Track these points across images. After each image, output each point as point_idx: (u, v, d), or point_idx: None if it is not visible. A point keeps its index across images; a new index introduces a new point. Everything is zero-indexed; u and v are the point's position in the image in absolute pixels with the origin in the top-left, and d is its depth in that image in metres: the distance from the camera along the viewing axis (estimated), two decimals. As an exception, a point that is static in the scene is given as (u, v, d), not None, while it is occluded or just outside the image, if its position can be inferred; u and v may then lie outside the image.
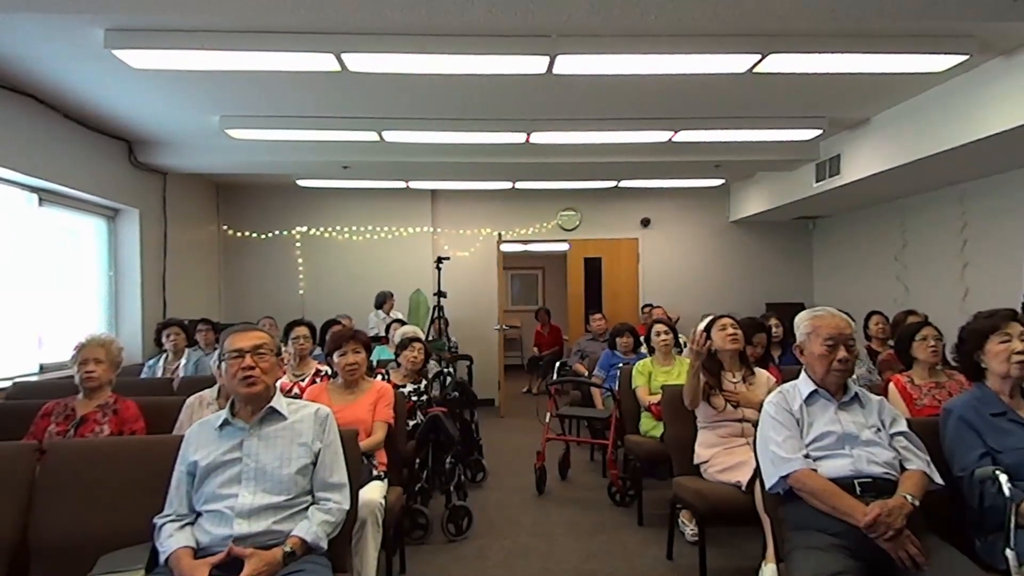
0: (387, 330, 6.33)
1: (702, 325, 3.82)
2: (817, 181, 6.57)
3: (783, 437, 2.35)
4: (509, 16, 3.41)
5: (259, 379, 2.21)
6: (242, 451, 2.17)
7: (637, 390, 4.50)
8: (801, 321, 2.52)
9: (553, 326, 10.35)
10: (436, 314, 7.55)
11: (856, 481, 2.21)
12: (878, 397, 2.48)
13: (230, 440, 2.19)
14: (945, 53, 4.05)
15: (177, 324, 5.32)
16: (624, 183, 8.17)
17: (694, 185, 8.50)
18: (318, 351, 4.58)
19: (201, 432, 2.26)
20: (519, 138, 5.88)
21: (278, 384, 3.80)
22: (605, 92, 4.85)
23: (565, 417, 5.80)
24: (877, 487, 2.20)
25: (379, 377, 4.11)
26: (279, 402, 2.29)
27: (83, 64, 4.20)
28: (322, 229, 8.63)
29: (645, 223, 9.12)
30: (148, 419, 3.19)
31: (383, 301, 7.70)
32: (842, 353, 2.37)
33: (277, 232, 8.56)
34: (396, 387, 3.87)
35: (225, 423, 2.23)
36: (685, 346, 5.29)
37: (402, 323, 6.26)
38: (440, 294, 7.56)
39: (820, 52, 4.01)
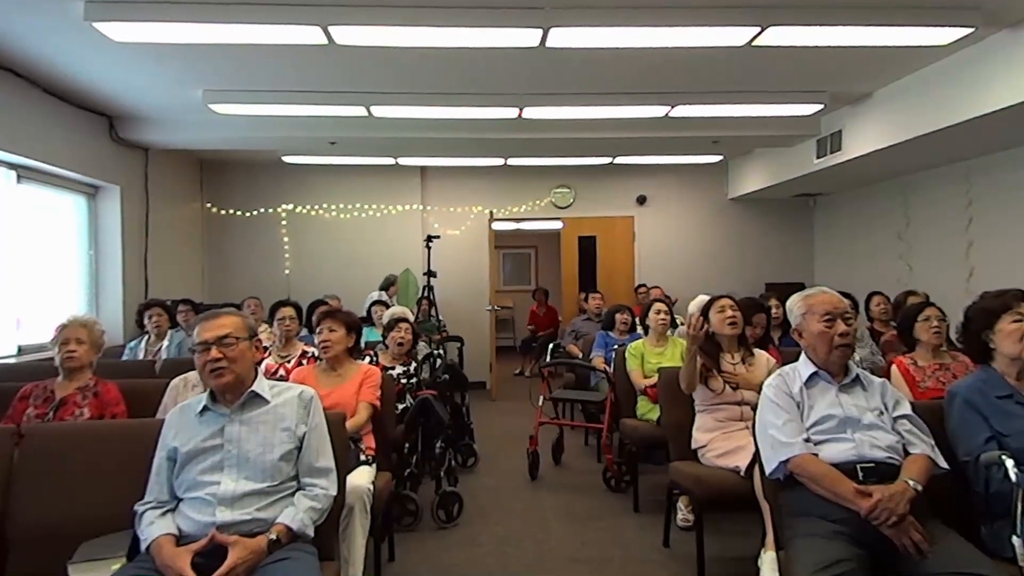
0: (369, 312, 6.25)
1: (693, 305, 3.74)
2: (818, 157, 6.52)
3: (783, 421, 2.31)
4: (501, -14, 3.33)
5: (227, 370, 2.15)
6: (223, 437, 2.13)
7: (631, 373, 4.44)
8: (794, 304, 2.48)
9: (550, 307, 10.27)
10: (426, 294, 7.46)
11: (859, 466, 2.18)
12: (880, 379, 2.45)
13: (211, 426, 2.15)
14: (950, 25, 4.01)
15: (159, 305, 5.25)
16: (619, 159, 8.12)
17: (691, 161, 8.42)
18: (305, 332, 4.51)
19: (181, 417, 2.22)
20: (511, 113, 5.81)
21: (262, 367, 3.76)
22: (600, 66, 4.79)
23: (559, 400, 5.74)
24: (880, 472, 2.16)
25: (367, 359, 4.05)
26: (261, 386, 2.24)
27: (62, 37, 4.14)
28: (308, 207, 8.53)
29: (641, 200, 9.03)
30: (129, 402, 3.17)
31: (389, 284, 7.67)
32: (841, 327, 2.34)
33: (262, 210, 8.46)
34: (385, 369, 3.83)
35: (206, 408, 2.19)
36: (680, 326, 5.24)
37: (385, 305, 6.18)
38: (430, 274, 7.48)
39: (821, 24, 3.97)
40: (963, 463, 2.28)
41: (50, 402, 3.02)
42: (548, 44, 4.13)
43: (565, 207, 9.00)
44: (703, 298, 3.92)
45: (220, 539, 1.96)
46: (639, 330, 5.32)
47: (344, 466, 2.39)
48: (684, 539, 3.57)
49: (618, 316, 5.60)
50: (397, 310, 5.04)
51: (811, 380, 2.38)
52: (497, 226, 8.79)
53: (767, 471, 2.32)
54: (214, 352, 2.14)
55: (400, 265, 8.09)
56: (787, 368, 2.48)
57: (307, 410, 2.24)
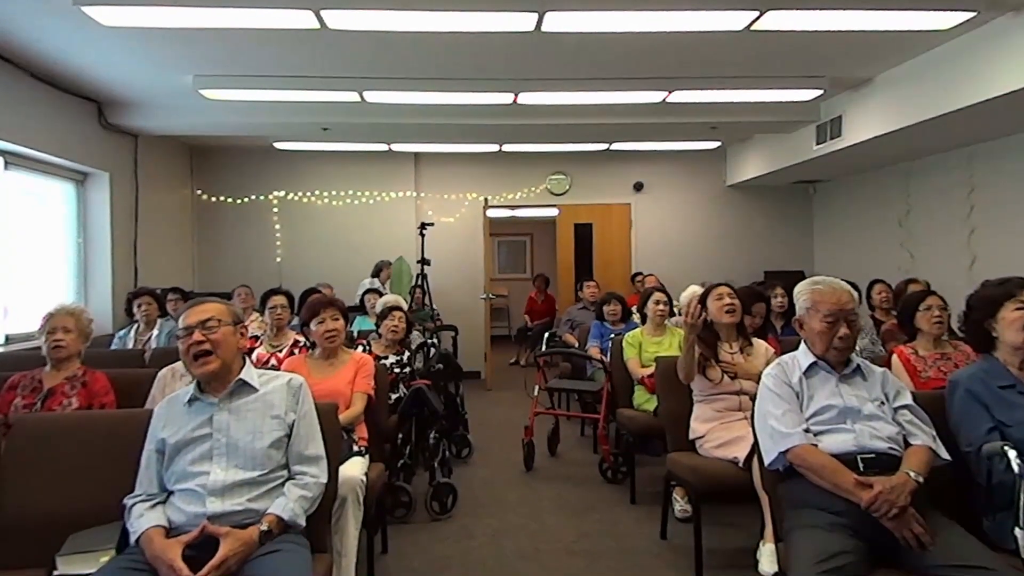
0: (362, 300, 6.21)
1: (686, 294, 3.70)
2: (818, 143, 6.47)
3: (782, 411, 2.29)
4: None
5: (211, 356, 2.13)
6: (212, 426, 2.11)
7: (628, 362, 4.40)
8: (800, 293, 2.44)
9: (548, 295, 10.18)
10: (419, 283, 7.42)
11: (859, 457, 2.15)
12: (881, 369, 2.42)
13: (199, 415, 2.13)
14: (951, 9, 3.99)
15: (149, 293, 5.19)
16: (616, 146, 8.08)
17: (689, 148, 8.37)
18: (296, 321, 4.47)
19: (169, 408, 2.20)
20: (506, 99, 5.76)
21: (253, 356, 3.71)
22: (596, 50, 4.74)
23: (555, 390, 5.72)
24: (881, 463, 2.14)
25: (360, 348, 4.01)
26: (249, 374, 2.22)
27: (51, 21, 4.09)
28: (300, 194, 8.46)
29: (638, 187, 8.97)
30: (118, 392, 3.17)
31: (379, 270, 7.61)
32: (843, 330, 2.30)
33: (253, 197, 8.38)
34: (377, 358, 3.80)
35: (194, 399, 2.16)
36: (677, 313, 5.20)
37: (379, 293, 6.14)
38: (424, 262, 7.45)
39: (821, 8, 3.95)
40: (965, 454, 2.25)
41: (38, 392, 3.02)
42: (543, 28, 4.10)
43: (561, 194, 8.94)
44: (695, 288, 3.88)
45: (211, 530, 1.94)
46: (635, 318, 5.27)
47: (336, 457, 2.37)
48: (682, 531, 3.54)
49: (606, 308, 5.54)
50: (390, 298, 5.00)
51: (811, 370, 2.35)
52: (492, 213, 8.74)
53: (766, 462, 2.29)
54: (196, 335, 2.13)
55: (393, 253, 8.02)
56: (786, 357, 2.45)
57: (296, 398, 2.23)
